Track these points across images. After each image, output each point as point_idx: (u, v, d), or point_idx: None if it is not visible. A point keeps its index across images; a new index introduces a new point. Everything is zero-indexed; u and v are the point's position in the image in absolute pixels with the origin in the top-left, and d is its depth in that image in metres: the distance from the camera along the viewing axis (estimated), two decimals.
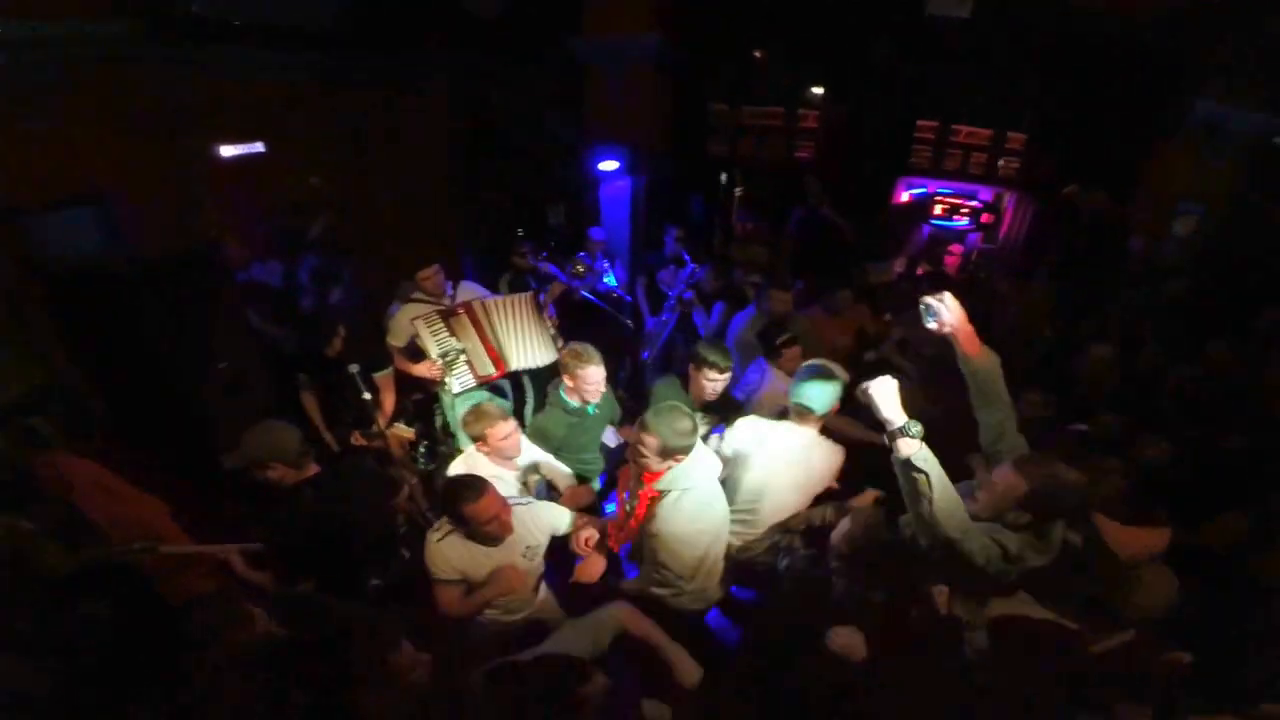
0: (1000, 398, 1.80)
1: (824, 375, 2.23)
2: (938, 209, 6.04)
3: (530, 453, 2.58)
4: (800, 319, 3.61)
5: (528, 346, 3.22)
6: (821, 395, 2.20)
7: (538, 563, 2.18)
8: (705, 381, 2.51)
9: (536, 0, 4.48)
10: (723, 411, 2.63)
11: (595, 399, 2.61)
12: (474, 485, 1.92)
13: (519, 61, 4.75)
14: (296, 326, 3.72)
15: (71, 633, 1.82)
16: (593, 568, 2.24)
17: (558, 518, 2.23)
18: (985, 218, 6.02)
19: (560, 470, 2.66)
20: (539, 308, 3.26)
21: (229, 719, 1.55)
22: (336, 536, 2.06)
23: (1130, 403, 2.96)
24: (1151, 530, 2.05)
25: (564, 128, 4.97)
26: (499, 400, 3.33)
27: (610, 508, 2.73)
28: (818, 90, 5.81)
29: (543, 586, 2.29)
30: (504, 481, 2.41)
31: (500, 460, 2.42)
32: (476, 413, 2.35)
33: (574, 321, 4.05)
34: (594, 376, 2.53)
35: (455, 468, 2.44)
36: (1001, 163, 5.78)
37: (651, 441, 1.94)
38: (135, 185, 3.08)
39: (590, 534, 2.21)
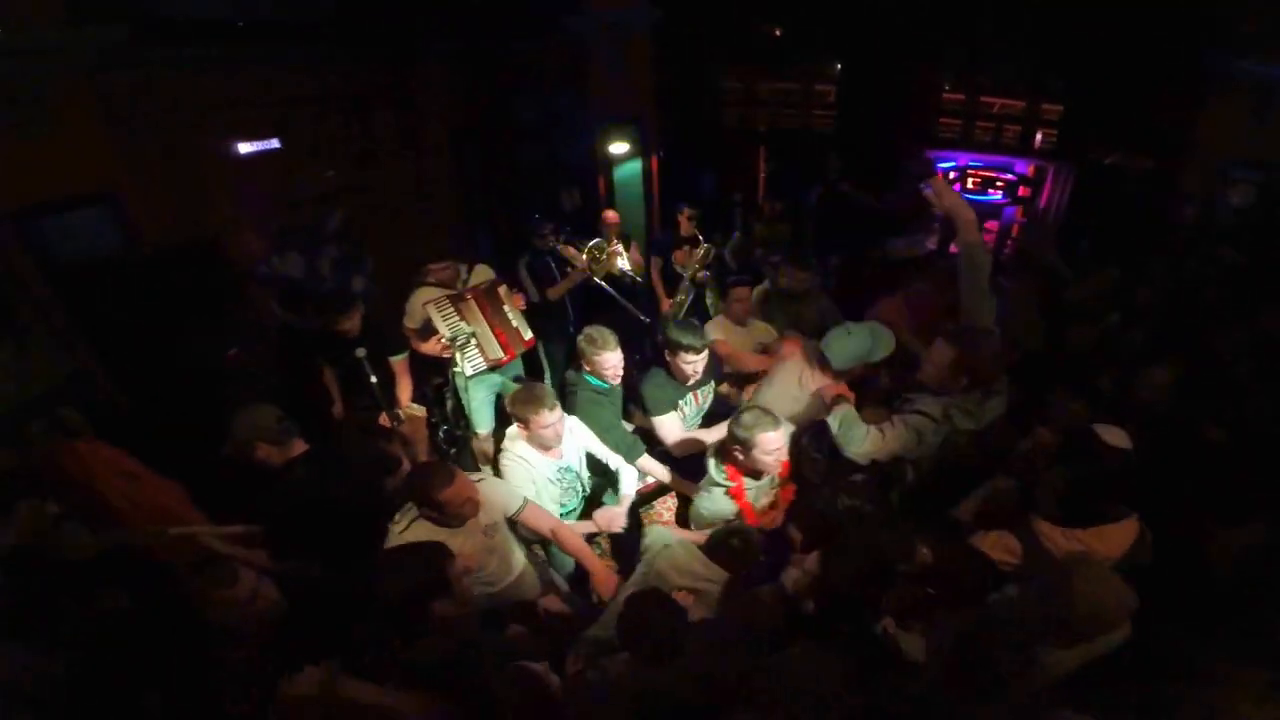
0: (981, 283, 2.25)
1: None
2: (969, 182, 5.77)
3: (579, 440, 2.54)
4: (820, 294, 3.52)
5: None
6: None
7: (500, 538, 2.17)
8: (684, 365, 2.49)
9: None
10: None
11: (615, 381, 2.58)
12: (444, 470, 1.93)
13: (521, 42, 4.72)
14: (317, 312, 3.80)
15: (90, 622, 1.86)
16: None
17: (510, 499, 2.21)
18: (1022, 190, 5.73)
19: (612, 457, 2.61)
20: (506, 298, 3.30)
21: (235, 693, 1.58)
22: (328, 515, 2.07)
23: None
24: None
25: (571, 109, 4.93)
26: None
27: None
28: (837, 65, 5.62)
29: (522, 560, 2.29)
30: (538, 468, 2.37)
31: (538, 446, 2.36)
32: (527, 394, 2.26)
33: (588, 307, 4.06)
34: (611, 360, 2.48)
35: (507, 439, 2.43)
36: (1040, 135, 5.48)
37: (775, 437, 2.07)
38: (148, 183, 3.18)
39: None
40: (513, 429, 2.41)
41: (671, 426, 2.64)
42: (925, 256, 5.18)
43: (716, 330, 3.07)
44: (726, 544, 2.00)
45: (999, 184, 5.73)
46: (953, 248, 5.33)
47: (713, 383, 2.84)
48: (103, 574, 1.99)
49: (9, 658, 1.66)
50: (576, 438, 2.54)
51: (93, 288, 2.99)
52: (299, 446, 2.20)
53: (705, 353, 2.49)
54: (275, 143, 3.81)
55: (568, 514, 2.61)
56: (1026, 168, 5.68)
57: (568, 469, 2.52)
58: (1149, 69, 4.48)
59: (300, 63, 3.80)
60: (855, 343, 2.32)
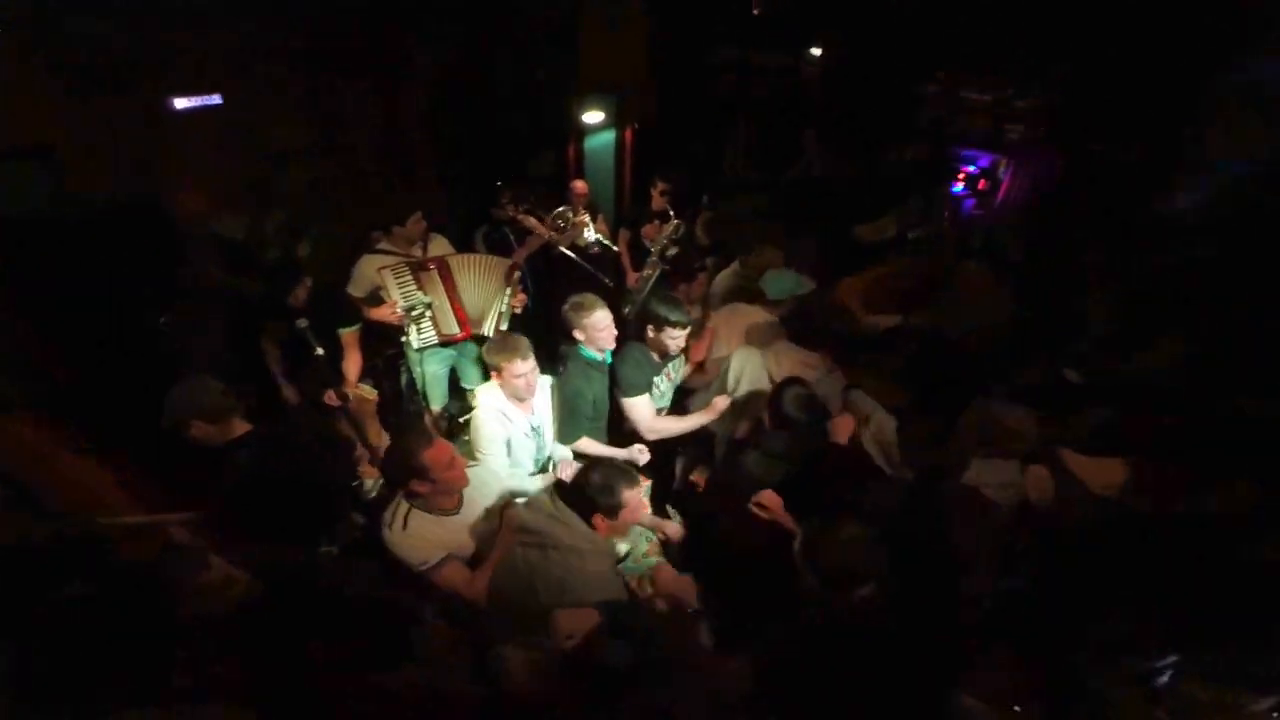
0: None
1: None
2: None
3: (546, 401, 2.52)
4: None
5: (490, 313, 3.13)
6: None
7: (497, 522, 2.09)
8: (668, 340, 2.47)
9: None
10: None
11: (610, 344, 2.50)
12: (423, 432, 1.88)
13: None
14: (261, 278, 3.56)
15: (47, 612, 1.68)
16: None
17: (505, 483, 2.19)
18: (981, 184, 5.83)
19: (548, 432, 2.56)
20: (509, 278, 3.15)
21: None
22: (274, 496, 1.94)
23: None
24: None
25: (551, 75, 4.71)
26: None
27: None
28: (815, 50, 5.55)
29: None
30: (515, 422, 2.37)
31: (513, 398, 2.34)
32: (503, 341, 2.29)
33: (553, 277, 3.93)
34: (603, 320, 2.42)
35: (480, 390, 2.42)
36: (1007, 127, 5.56)
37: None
38: (84, 138, 2.91)
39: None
40: (488, 385, 2.38)
41: (645, 409, 2.59)
42: (889, 241, 5.30)
43: None
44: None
45: (960, 176, 5.82)
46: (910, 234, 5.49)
47: (683, 357, 2.81)
48: (55, 561, 1.79)
49: None
50: (546, 397, 2.52)
51: (23, 245, 2.71)
52: (239, 427, 2.04)
53: (689, 327, 2.49)
54: (217, 98, 3.49)
55: (535, 474, 2.57)
56: (988, 161, 5.78)
57: (538, 428, 2.49)
58: (1143, 57, 4.47)
59: (255, 14, 3.47)
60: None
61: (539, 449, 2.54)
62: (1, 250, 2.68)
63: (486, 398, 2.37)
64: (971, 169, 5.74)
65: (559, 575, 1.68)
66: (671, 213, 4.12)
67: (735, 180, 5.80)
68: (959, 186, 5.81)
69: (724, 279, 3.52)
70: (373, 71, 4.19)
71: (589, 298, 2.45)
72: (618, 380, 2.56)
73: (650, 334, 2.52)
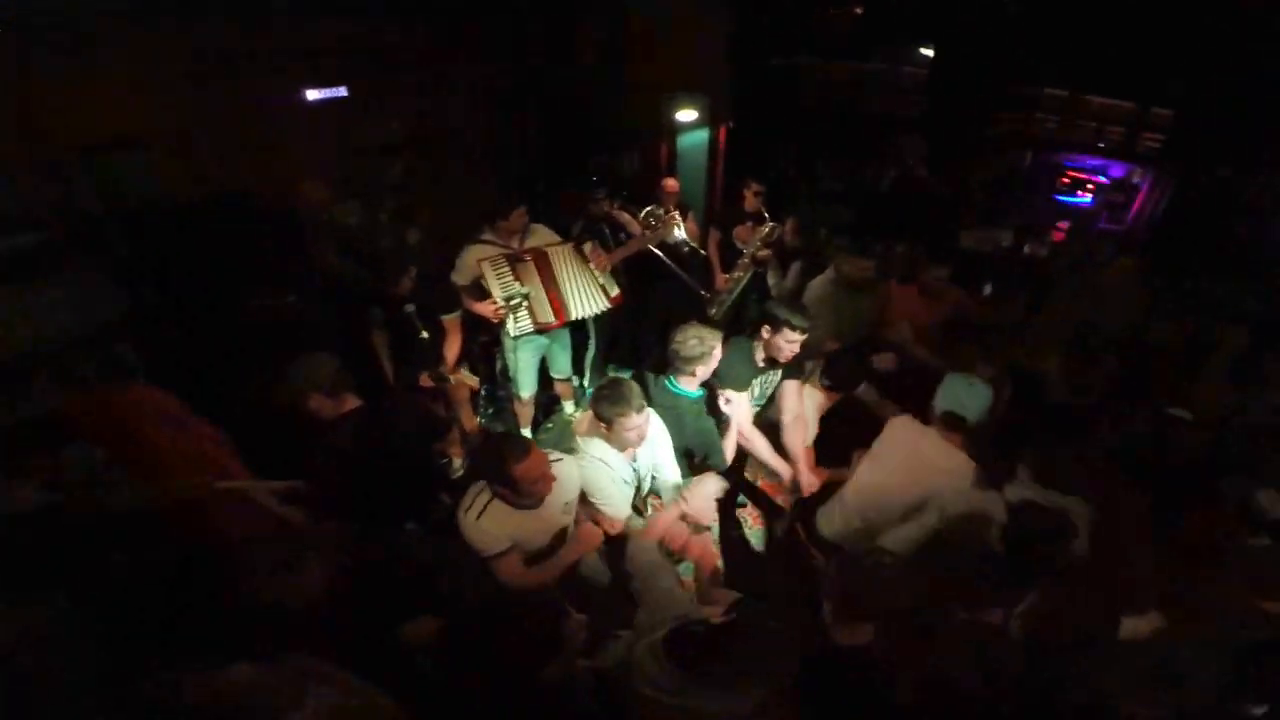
0: None
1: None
2: (1059, 181, 5.36)
3: (655, 450, 2.32)
4: (882, 285, 3.35)
5: (585, 296, 3.20)
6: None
7: (573, 515, 2.13)
8: (784, 343, 2.38)
9: None
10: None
11: (637, 447, 2.24)
12: (520, 443, 1.85)
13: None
14: (371, 265, 3.79)
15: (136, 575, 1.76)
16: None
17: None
18: (1115, 196, 5.28)
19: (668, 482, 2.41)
20: (586, 258, 3.20)
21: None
22: (372, 473, 2.02)
23: None
24: None
25: (646, 72, 4.73)
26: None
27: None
28: (926, 51, 5.23)
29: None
30: (614, 469, 2.19)
31: (616, 445, 2.19)
32: (613, 393, 2.06)
33: (641, 275, 3.94)
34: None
35: (582, 436, 2.26)
36: (1144, 137, 5.00)
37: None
38: (211, 126, 3.14)
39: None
40: (584, 426, 2.30)
41: (741, 405, 2.52)
42: (996, 252, 4.91)
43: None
44: None
45: (1089, 186, 5.30)
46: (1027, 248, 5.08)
47: (779, 372, 2.68)
48: (149, 529, 1.91)
49: (43, 611, 1.59)
50: (656, 444, 2.31)
51: (154, 227, 2.97)
52: (351, 401, 2.13)
53: (805, 335, 2.39)
54: (342, 90, 3.76)
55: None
56: (1122, 172, 5.22)
57: (636, 469, 2.33)
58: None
59: (365, 12, 3.71)
60: (983, 391, 2.13)
61: (637, 491, 2.38)
62: (127, 232, 2.93)
63: (589, 448, 2.19)
64: (1102, 179, 5.21)
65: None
66: (766, 215, 4.02)
67: (825, 185, 5.60)
68: (1086, 197, 5.30)
69: (817, 286, 3.39)
70: (474, 66, 4.35)
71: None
72: (720, 371, 2.42)
73: (766, 334, 2.43)
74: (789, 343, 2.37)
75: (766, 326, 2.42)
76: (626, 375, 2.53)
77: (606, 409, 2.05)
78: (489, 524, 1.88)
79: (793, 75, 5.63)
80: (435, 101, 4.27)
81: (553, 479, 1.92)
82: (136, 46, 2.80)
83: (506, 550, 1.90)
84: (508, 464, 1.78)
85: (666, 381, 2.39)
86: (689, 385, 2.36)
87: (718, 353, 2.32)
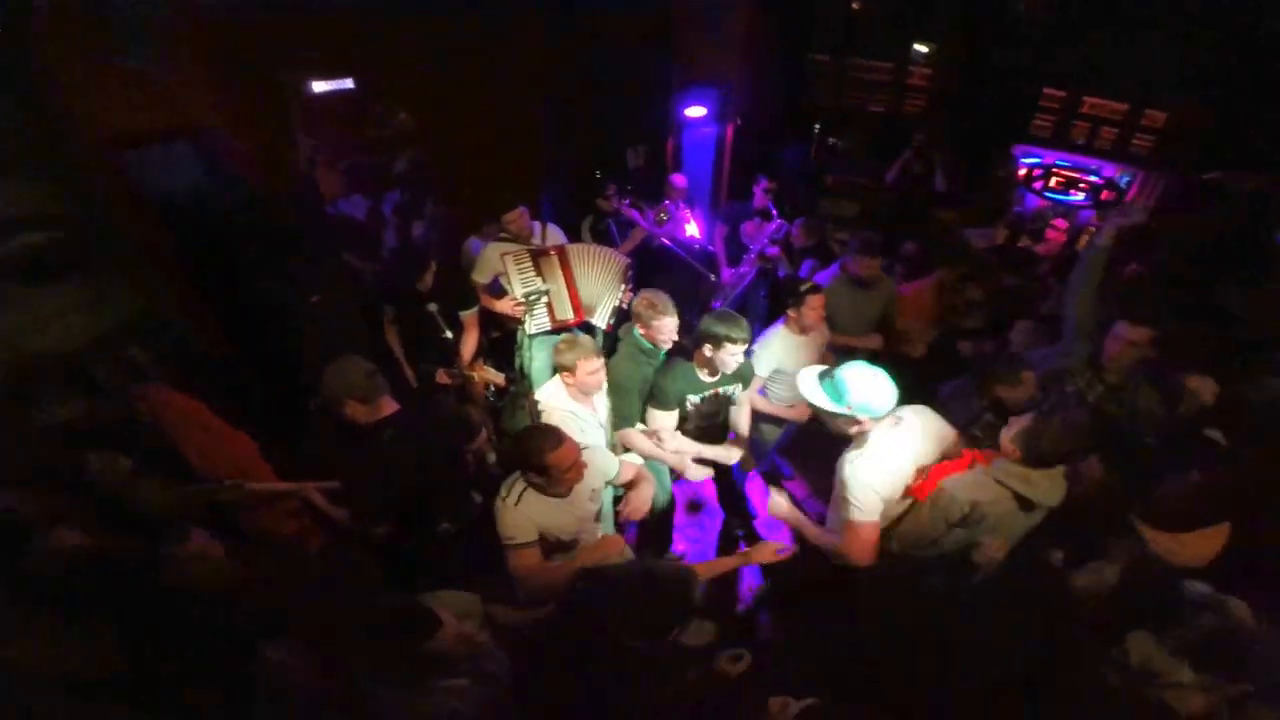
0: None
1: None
2: (1053, 181, 5.49)
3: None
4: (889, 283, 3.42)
5: (603, 304, 3.18)
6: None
7: (599, 503, 2.20)
8: (728, 357, 2.38)
9: None
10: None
11: (667, 346, 2.54)
12: (554, 433, 1.91)
13: None
14: (383, 260, 3.75)
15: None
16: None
17: (609, 464, 2.23)
18: (1105, 195, 5.44)
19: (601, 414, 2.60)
20: (625, 275, 3.19)
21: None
22: (411, 477, 2.04)
23: None
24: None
25: (653, 68, 4.71)
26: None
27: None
28: (922, 48, 5.30)
29: (601, 526, 2.31)
30: (579, 417, 2.42)
31: (580, 396, 2.42)
32: (571, 341, 2.37)
33: (649, 268, 3.96)
34: (669, 326, 2.48)
35: (541, 395, 2.47)
36: (1136, 140, 5.15)
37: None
38: (233, 120, 3.06)
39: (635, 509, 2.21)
40: (550, 386, 2.47)
41: (667, 421, 2.60)
42: (995, 248, 5.03)
43: (777, 341, 2.92)
44: None
45: (1082, 185, 5.44)
46: (1019, 243, 5.20)
47: (741, 384, 2.70)
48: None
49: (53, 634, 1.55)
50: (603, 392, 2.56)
51: (181, 222, 2.90)
52: (388, 405, 2.13)
53: (746, 344, 2.42)
54: (349, 83, 3.70)
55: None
56: (1114, 172, 5.38)
57: (601, 424, 2.57)
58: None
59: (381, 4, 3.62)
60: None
61: (608, 442, 2.58)
62: (158, 230, 2.85)
63: (554, 400, 2.42)
64: (1095, 178, 5.35)
65: None
66: (774, 211, 4.07)
67: (834, 183, 5.66)
68: (1078, 196, 5.44)
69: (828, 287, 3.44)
70: (487, 58, 4.30)
71: (665, 300, 2.47)
72: (654, 389, 2.56)
73: (708, 351, 2.41)
74: (732, 355, 2.39)
75: (707, 345, 2.40)
76: None
77: (568, 356, 2.33)
78: (526, 510, 1.95)
79: (805, 71, 5.67)
80: (454, 96, 4.23)
81: (584, 467, 1.99)
82: (161, 39, 2.71)
83: (532, 542, 1.97)
84: (543, 453, 1.86)
85: (635, 334, 2.56)
86: (645, 339, 2.53)
87: (666, 320, 2.44)
